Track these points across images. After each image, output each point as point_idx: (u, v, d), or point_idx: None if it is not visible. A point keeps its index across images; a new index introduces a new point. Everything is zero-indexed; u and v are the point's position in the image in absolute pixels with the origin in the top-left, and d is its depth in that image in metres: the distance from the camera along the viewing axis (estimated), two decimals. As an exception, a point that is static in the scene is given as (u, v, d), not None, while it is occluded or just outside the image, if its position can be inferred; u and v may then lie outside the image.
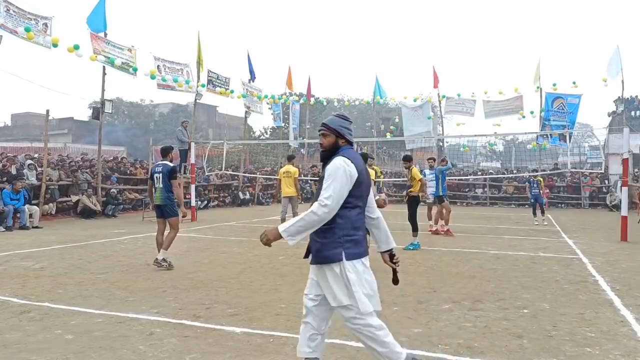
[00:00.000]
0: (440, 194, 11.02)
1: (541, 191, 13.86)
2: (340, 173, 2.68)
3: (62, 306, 4.81)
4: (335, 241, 2.71)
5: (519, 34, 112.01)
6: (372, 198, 2.95)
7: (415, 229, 8.87)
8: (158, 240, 7.06)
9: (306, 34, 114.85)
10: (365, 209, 2.88)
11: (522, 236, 10.49)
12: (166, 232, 7.06)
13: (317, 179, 10.69)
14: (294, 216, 10.52)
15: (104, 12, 15.13)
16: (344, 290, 2.68)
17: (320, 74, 78.14)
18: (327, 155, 2.86)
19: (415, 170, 9.16)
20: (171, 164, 7.20)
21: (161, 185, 6.97)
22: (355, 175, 2.73)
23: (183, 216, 7.32)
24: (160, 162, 7.24)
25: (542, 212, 13.82)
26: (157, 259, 6.83)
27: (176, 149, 17.23)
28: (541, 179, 13.96)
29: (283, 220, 10.44)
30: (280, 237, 2.69)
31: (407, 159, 9.18)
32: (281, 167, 12.88)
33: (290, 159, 11.28)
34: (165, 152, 7.38)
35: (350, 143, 2.89)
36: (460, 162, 30.68)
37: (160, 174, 7.00)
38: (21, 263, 7.16)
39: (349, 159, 2.74)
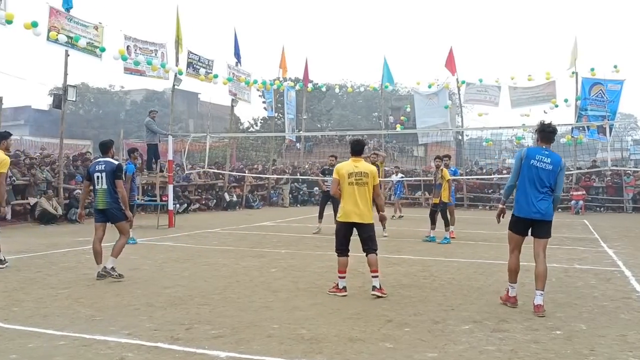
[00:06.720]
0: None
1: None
2: None
3: (18, 327, 4.80)
4: None
5: (551, 10, 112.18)
6: None
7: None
8: (96, 249, 7.01)
9: (303, 10, 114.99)
10: None
11: (555, 245, 10.48)
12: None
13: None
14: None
15: None
16: None
17: (319, 55, 78.46)
18: None
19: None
20: (116, 162, 7.26)
21: (104, 186, 6.98)
22: None
23: (128, 221, 7.37)
24: (102, 160, 7.24)
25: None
26: (105, 267, 6.84)
27: (144, 142, 17.13)
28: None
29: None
30: None
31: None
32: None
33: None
34: (106, 147, 7.37)
35: None
36: (483, 159, 30.77)
37: (103, 173, 7.00)
38: (-31, 276, 7.16)
39: None
